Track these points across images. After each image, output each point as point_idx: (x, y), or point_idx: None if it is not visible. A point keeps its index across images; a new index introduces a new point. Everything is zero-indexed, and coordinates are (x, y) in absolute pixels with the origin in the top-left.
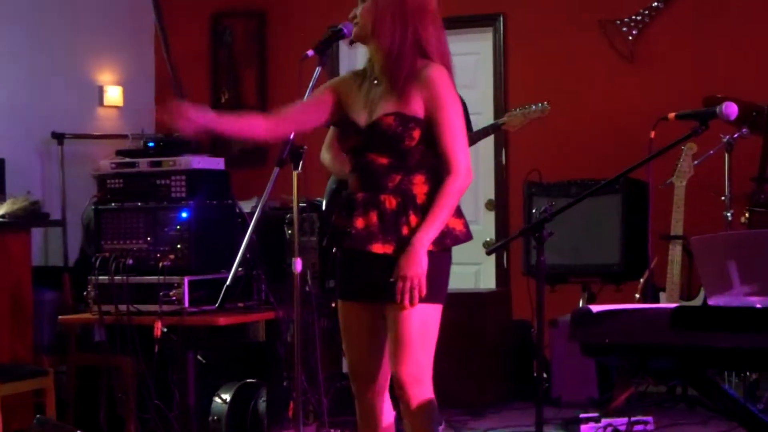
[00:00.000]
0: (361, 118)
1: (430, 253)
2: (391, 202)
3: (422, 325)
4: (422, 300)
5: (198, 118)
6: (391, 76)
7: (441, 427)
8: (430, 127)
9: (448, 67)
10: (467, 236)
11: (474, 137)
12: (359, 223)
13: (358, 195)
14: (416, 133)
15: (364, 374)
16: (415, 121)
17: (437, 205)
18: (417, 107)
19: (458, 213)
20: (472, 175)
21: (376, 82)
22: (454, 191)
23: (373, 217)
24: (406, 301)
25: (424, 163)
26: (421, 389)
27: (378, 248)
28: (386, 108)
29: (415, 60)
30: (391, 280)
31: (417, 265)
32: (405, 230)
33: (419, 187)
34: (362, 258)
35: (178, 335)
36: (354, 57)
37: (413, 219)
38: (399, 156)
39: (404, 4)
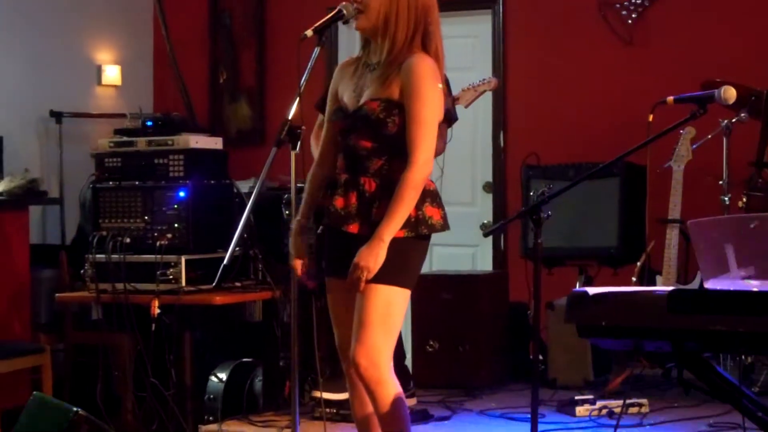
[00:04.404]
0: (351, 102)
1: (400, 239)
2: (370, 185)
3: (385, 307)
4: (388, 282)
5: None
6: (390, 64)
7: (413, 401)
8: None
9: (440, 61)
10: (444, 226)
11: None
12: (339, 202)
13: (342, 176)
14: (398, 119)
15: (349, 350)
16: (399, 108)
17: (396, 198)
18: (397, 94)
19: (436, 202)
20: (432, 166)
21: (371, 68)
22: (411, 183)
23: (353, 198)
24: (358, 287)
25: (406, 149)
26: (377, 371)
27: (354, 228)
28: (372, 93)
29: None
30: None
31: (372, 257)
32: (377, 214)
33: (400, 173)
34: (341, 236)
35: (175, 314)
36: (353, 37)
37: (388, 204)
38: (382, 141)
39: (418, 0)
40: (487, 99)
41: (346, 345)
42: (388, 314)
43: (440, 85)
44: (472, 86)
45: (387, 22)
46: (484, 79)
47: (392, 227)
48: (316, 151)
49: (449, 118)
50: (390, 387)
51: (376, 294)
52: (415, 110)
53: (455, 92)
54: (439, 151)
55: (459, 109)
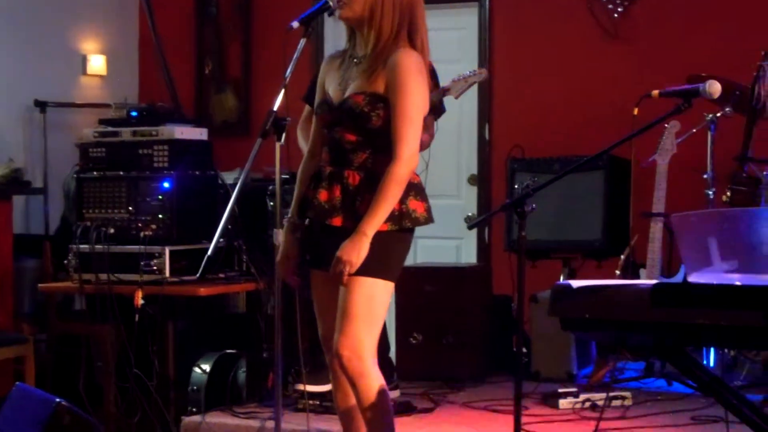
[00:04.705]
0: (336, 95)
1: (384, 232)
2: (354, 178)
3: (368, 299)
4: (371, 275)
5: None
6: (376, 57)
7: (397, 393)
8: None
9: (425, 54)
10: (428, 219)
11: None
12: (323, 195)
13: (327, 168)
14: (382, 113)
15: (332, 342)
16: (384, 102)
17: (380, 193)
18: (382, 88)
19: (420, 196)
20: (417, 161)
21: (356, 61)
22: (395, 177)
23: (337, 191)
24: (341, 280)
25: (391, 143)
26: (360, 363)
27: (337, 221)
28: (357, 87)
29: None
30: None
31: (355, 251)
32: (360, 207)
33: (384, 166)
34: (325, 229)
35: (158, 305)
36: (339, 29)
37: (370, 197)
38: (366, 134)
39: None
40: (473, 92)
41: (330, 336)
42: (371, 307)
43: (425, 79)
44: (462, 77)
45: (372, 13)
46: (474, 71)
47: (375, 221)
48: (302, 143)
49: (437, 111)
50: (373, 379)
51: (359, 286)
52: (400, 105)
53: (446, 83)
54: (426, 143)
55: (446, 100)
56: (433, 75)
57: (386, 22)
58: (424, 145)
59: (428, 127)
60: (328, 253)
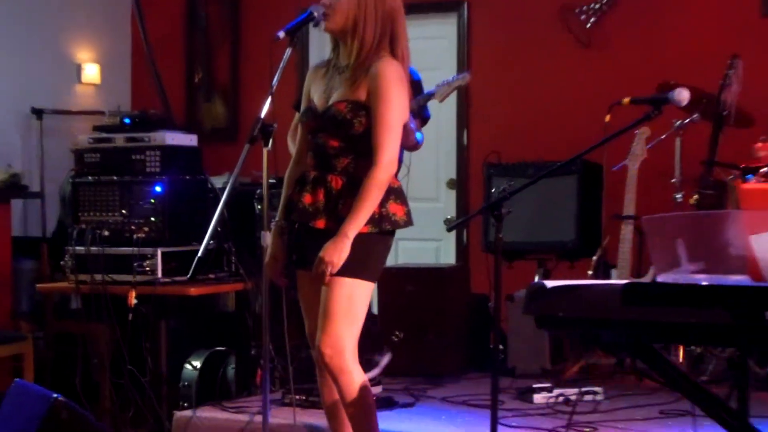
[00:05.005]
0: (320, 103)
1: (364, 234)
2: (337, 182)
3: (348, 299)
4: (351, 276)
5: (284, 262)
6: (359, 66)
7: (379, 389)
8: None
9: (405, 63)
10: (407, 222)
11: (412, 107)
12: (307, 198)
13: (311, 173)
14: (364, 120)
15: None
16: (366, 110)
17: (361, 196)
18: (364, 96)
19: (400, 199)
20: (396, 166)
21: (340, 70)
22: (375, 182)
23: (320, 194)
24: (323, 280)
25: (372, 149)
26: (341, 360)
27: (321, 224)
28: (341, 95)
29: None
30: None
31: (337, 252)
32: (342, 210)
33: (365, 171)
34: (309, 231)
35: (151, 304)
36: (323, 39)
37: (352, 201)
38: (349, 140)
39: (385, 4)
40: (451, 99)
41: (315, 333)
42: (351, 306)
43: (405, 88)
44: (446, 82)
45: (356, 24)
46: (457, 76)
47: (356, 224)
48: (292, 148)
49: (422, 117)
50: (354, 375)
51: (339, 286)
52: (380, 113)
53: (430, 88)
54: (413, 145)
55: (432, 103)
56: (419, 86)
57: (368, 33)
58: (412, 148)
59: (409, 134)
60: (312, 254)
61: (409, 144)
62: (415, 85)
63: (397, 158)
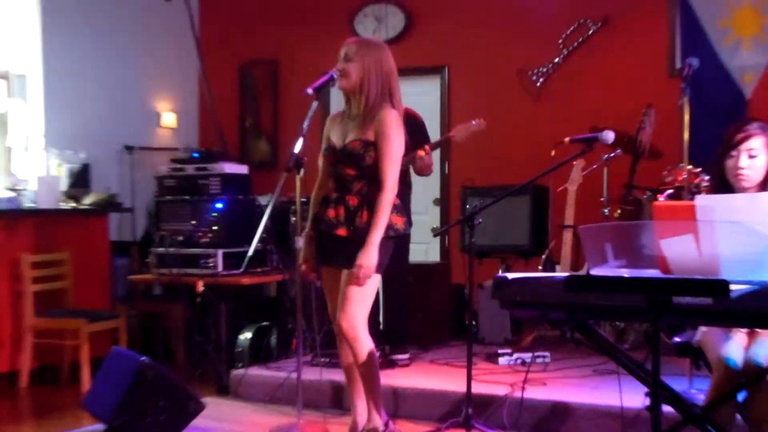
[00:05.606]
0: (338, 142)
1: None
2: (353, 201)
3: (361, 287)
4: None
5: (313, 263)
6: (366, 115)
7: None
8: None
9: (399, 111)
10: (406, 230)
11: (433, 146)
12: (331, 213)
13: (333, 194)
14: (373, 155)
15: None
16: (374, 147)
17: (377, 213)
18: (372, 137)
19: (401, 212)
20: (397, 188)
21: (352, 118)
22: (385, 201)
23: (341, 210)
24: (361, 282)
25: (379, 176)
26: (355, 334)
27: (342, 232)
28: (354, 136)
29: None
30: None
31: (369, 257)
32: (358, 222)
33: (375, 192)
34: (332, 238)
35: (214, 291)
36: (340, 95)
37: (365, 214)
38: (362, 170)
39: (382, 67)
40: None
41: (335, 313)
42: (363, 293)
43: (401, 129)
44: (464, 126)
45: (362, 84)
46: (475, 122)
47: (377, 233)
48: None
49: (433, 146)
50: (364, 343)
51: (354, 279)
52: (384, 149)
53: (451, 131)
54: (430, 172)
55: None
56: (421, 127)
57: (372, 90)
58: (426, 172)
59: (430, 165)
60: (335, 254)
61: (430, 172)
62: (420, 126)
63: (398, 181)
